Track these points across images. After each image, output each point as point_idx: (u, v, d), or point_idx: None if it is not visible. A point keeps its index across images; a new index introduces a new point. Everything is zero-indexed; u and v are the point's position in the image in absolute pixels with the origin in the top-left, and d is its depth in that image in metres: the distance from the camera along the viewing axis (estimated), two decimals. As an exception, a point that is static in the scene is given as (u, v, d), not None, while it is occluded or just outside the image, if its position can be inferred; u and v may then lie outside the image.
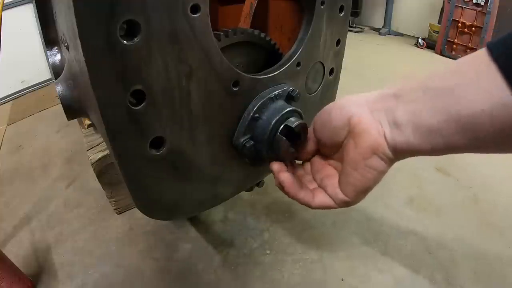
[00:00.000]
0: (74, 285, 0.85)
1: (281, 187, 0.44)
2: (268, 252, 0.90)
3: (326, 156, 0.46)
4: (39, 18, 1.00)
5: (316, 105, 0.74)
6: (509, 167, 1.18)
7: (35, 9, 1.89)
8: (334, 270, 0.84)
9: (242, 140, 0.56)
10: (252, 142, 0.56)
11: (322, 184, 0.43)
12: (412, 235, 0.93)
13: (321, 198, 0.42)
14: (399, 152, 0.35)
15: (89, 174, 1.16)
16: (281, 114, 0.55)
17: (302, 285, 0.82)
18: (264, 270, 0.86)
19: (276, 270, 0.85)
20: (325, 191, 0.42)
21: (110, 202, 1.03)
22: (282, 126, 0.55)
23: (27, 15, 1.96)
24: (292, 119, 0.56)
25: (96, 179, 0.96)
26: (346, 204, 0.40)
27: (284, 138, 0.55)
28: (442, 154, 0.34)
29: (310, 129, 0.47)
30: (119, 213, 1.06)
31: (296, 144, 0.50)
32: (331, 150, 0.44)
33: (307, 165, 0.49)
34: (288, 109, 0.56)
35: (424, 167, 1.20)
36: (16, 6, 1.91)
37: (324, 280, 0.82)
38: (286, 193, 0.44)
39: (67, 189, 1.20)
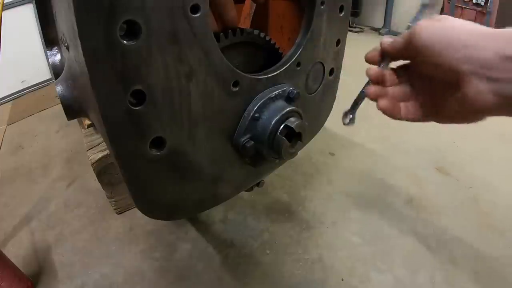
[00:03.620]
0: (74, 285, 0.85)
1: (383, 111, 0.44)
2: (268, 252, 0.90)
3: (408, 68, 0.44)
4: (39, 18, 1.00)
5: (316, 105, 0.74)
6: (509, 167, 1.18)
7: (35, 9, 1.89)
8: (334, 270, 0.84)
9: (242, 140, 0.56)
10: (252, 142, 0.56)
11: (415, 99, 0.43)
12: (412, 235, 0.93)
13: (416, 112, 0.42)
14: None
15: (89, 174, 1.16)
16: (281, 114, 0.55)
17: (302, 285, 0.82)
18: (264, 270, 0.86)
19: (276, 270, 0.85)
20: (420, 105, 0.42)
21: (110, 202, 1.03)
22: (282, 126, 0.55)
23: (27, 15, 1.96)
24: (292, 119, 0.56)
25: (96, 179, 0.96)
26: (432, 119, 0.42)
27: (284, 138, 0.55)
28: None
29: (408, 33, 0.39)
30: (119, 213, 1.06)
31: None
32: (426, 70, 0.39)
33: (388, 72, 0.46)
34: (288, 109, 0.56)
35: (424, 167, 1.20)
36: (16, 6, 1.91)
37: (324, 280, 0.82)
38: (389, 116, 0.44)
39: (67, 189, 1.20)
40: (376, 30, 3.01)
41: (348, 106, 0.51)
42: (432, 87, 0.41)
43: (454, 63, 0.32)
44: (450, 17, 0.35)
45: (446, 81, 0.36)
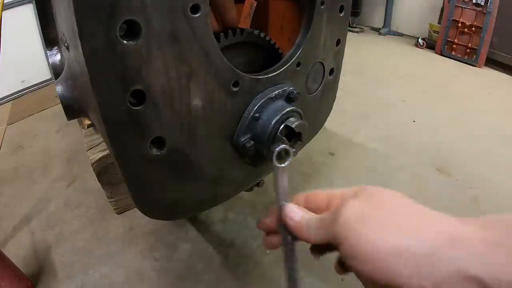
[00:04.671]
0: (74, 285, 0.85)
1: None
2: (268, 252, 0.90)
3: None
4: (39, 18, 1.00)
5: (316, 105, 0.74)
6: (509, 167, 1.18)
7: (35, 9, 1.89)
8: (334, 270, 0.84)
9: (242, 140, 0.56)
10: (252, 142, 0.56)
11: None
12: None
13: None
14: None
15: (89, 174, 1.16)
16: (281, 114, 0.55)
17: (302, 285, 0.82)
18: (264, 270, 0.86)
19: (276, 270, 0.85)
20: None
21: (110, 202, 1.03)
22: (282, 126, 0.55)
23: (27, 15, 1.96)
24: (292, 119, 0.56)
25: (96, 179, 0.96)
26: None
27: (284, 137, 0.55)
28: None
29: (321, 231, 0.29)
30: (119, 213, 1.06)
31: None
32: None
33: None
34: (288, 109, 0.56)
35: (424, 167, 1.20)
36: (16, 6, 1.91)
37: (324, 280, 0.82)
38: None
39: (67, 189, 1.20)
40: (376, 30, 3.01)
41: None
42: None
43: (398, 281, 0.23)
44: (380, 191, 0.26)
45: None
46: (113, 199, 1.02)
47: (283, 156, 0.32)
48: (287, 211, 0.32)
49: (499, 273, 0.20)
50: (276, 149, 0.32)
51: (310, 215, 0.31)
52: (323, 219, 0.29)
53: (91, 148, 0.95)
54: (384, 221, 0.25)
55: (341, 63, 0.75)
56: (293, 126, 0.54)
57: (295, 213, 0.31)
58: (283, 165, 0.32)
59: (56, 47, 0.97)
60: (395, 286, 0.23)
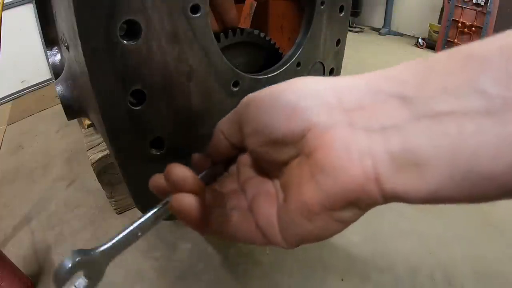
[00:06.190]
0: (74, 285, 0.85)
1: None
2: (268, 252, 0.90)
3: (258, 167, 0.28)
4: (39, 18, 1.00)
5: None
6: (509, 167, 1.18)
7: (35, 9, 1.89)
8: (334, 270, 0.84)
9: (242, 140, 0.56)
10: (252, 142, 0.56)
11: (252, 205, 0.26)
12: (412, 235, 0.93)
13: (245, 227, 0.26)
14: (393, 199, 0.20)
15: (89, 174, 1.16)
16: (281, 114, 0.55)
17: (302, 285, 0.82)
18: (264, 270, 0.86)
19: (276, 270, 0.85)
20: (255, 219, 0.25)
21: (110, 202, 1.03)
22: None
23: (27, 15, 1.96)
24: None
25: (96, 179, 0.96)
26: (277, 246, 0.25)
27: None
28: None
29: (226, 120, 0.30)
30: (119, 213, 1.06)
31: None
32: (266, 165, 0.26)
33: (233, 169, 0.31)
34: (288, 109, 0.56)
35: (424, 167, 1.20)
36: (16, 6, 1.91)
37: (324, 280, 0.82)
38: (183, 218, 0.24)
39: (67, 189, 1.20)
40: (376, 30, 3.01)
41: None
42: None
43: (299, 122, 0.20)
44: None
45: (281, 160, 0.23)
46: (113, 199, 1.02)
47: None
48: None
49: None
50: None
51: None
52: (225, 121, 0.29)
53: (91, 148, 0.95)
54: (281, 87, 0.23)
55: (341, 63, 0.75)
56: (293, 126, 0.54)
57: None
58: None
59: (56, 47, 0.97)
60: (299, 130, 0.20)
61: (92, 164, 0.91)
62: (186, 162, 0.53)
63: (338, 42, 0.69)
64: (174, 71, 0.44)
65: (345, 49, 0.73)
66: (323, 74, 0.70)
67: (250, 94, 0.25)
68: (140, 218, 0.25)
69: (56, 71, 0.95)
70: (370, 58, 2.35)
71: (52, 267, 0.90)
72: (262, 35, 0.61)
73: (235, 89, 0.52)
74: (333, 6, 0.63)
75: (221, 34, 0.55)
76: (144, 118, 0.44)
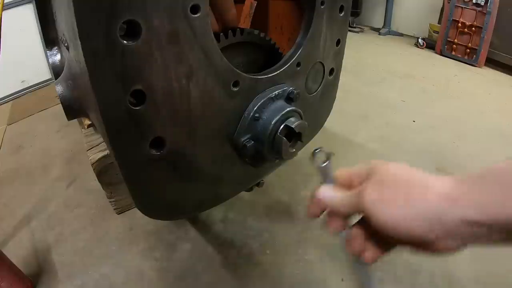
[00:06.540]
0: (74, 285, 0.85)
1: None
2: (268, 252, 0.90)
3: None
4: (39, 18, 1.00)
5: (316, 105, 0.74)
6: (509, 167, 1.18)
7: (35, 9, 1.89)
8: (334, 270, 0.84)
9: (242, 140, 0.56)
10: (252, 142, 0.56)
11: None
12: (412, 235, 0.93)
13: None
14: None
15: (89, 174, 1.16)
16: (281, 114, 0.55)
17: (302, 285, 0.82)
18: (264, 270, 0.86)
19: (276, 270, 0.85)
20: None
21: (110, 202, 1.03)
22: (282, 126, 0.55)
23: (27, 15, 1.96)
24: (292, 119, 0.56)
25: (96, 179, 0.96)
26: None
27: (284, 138, 0.55)
28: None
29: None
30: (119, 213, 1.06)
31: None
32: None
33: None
34: (288, 109, 0.56)
35: (425, 167, 1.20)
36: (16, 6, 1.91)
37: (324, 280, 0.82)
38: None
39: (67, 189, 1.20)
40: (376, 30, 3.01)
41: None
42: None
43: (418, 236, 0.31)
44: (386, 170, 0.36)
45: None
46: (113, 199, 1.02)
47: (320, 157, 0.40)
48: (324, 191, 0.42)
49: (487, 211, 0.28)
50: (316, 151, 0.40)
51: (341, 194, 0.41)
52: (351, 199, 0.38)
53: (91, 148, 0.95)
54: (396, 196, 0.33)
55: (341, 63, 0.75)
56: (293, 126, 0.54)
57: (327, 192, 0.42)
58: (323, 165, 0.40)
59: (56, 47, 0.97)
60: (417, 240, 0.32)
61: (92, 164, 0.91)
62: (187, 162, 0.53)
63: (338, 42, 0.69)
64: (174, 71, 0.44)
65: (345, 49, 0.73)
66: (323, 74, 0.70)
67: (373, 198, 0.35)
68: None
69: (56, 71, 0.95)
70: (370, 58, 2.35)
71: (52, 267, 0.90)
72: (262, 35, 0.61)
73: (235, 89, 0.52)
74: (333, 6, 0.63)
75: (221, 34, 0.55)
76: (144, 118, 0.44)
